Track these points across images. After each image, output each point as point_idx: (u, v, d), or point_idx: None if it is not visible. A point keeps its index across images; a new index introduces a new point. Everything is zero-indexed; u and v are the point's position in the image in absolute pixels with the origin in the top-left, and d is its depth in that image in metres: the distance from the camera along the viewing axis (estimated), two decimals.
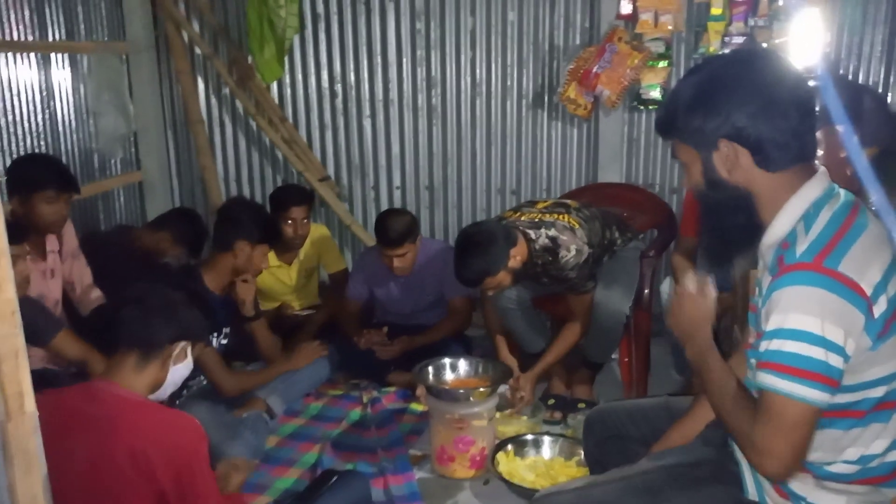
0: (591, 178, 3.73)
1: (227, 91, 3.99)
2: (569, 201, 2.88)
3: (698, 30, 3.39)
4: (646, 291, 2.91)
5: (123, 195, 4.02)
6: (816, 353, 1.15)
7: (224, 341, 2.80)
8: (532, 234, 2.66)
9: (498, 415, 2.73)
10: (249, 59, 3.77)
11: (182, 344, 1.70)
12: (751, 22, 3.26)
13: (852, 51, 3.36)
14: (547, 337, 3.05)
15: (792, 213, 1.26)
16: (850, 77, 3.31)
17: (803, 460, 1.24)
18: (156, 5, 3.87)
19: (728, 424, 1.30)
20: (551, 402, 2.96)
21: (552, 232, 2.64)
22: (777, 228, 1.27)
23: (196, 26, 3.94)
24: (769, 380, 1.19)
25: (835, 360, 1.16)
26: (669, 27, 3.34)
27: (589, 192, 3.45)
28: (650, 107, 3.51)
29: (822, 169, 1.30)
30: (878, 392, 1.23)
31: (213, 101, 4.07)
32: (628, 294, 2.75)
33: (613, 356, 3.09)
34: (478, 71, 3.79)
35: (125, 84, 3.86)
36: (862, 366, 1.20)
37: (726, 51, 3.22)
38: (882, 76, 3.36)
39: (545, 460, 2.52)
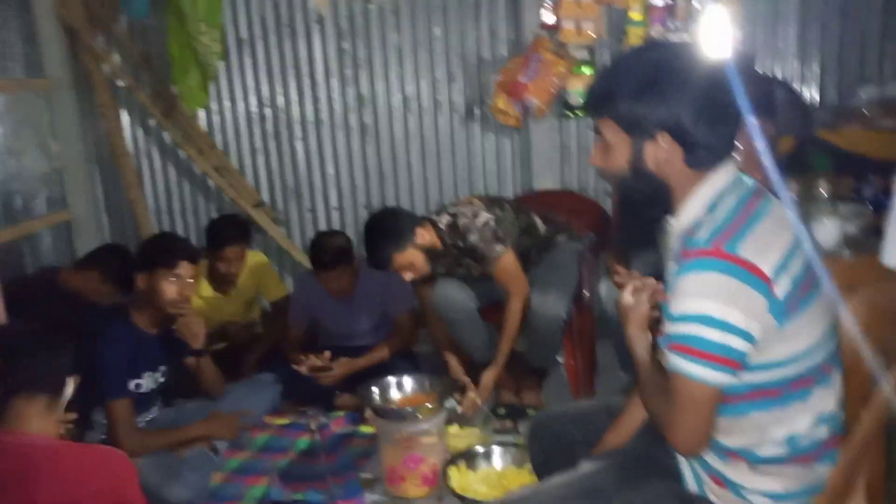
0: (526, 187, 3.75)
1: (153, 122, 3.90)
2: (476, 195, 2.97)
3: (620, 35, 3.45)
4: (586, 293, 2.93)
5: (51, 236, 3.88)
6: (716, 336, 1.17)
7: (161, 379, 2.70)
8: (435, 217, 2.78)
9: (448, 429, 2.70)
10: (174, 88, 3.70)
11: (73, 377, 1.61)
12: (669, 25, 3.34)
13: (767, 47, 3.46)
14: (495, 346, 3.04)
15: (699, 202, 1.28)
16: (766, 72, 3.41)
17: (721, 445, 1.27)
18: (74, 40, 3.76)
19: (649, 411, 1.33)
20: (502, 411, 2.94)
21: (452, 209, 2.78)
22: (684, 217, 1.30)
23: (117, 58, 3.85)
24: (674, 361, 1.22)
25: (735, 343, 1.18)
26: (592, 34, 3.39)
27: (526, 201, 3.46)
28: (578, 113, 3.55)
29: (730, 158, 1.31)
30: (792, 370, 1.25)
31: (140, 133, 3.98)
32: (565, 297, 2.76)
33: (560, 359, 3.09)
34: (407, 87, 3.79)
35: (46, 121, 3.74)
36: (771, 344, 1.21)
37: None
38: (798, 71, 3.47)
39: (497, 471, 2.49)
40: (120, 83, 3.86)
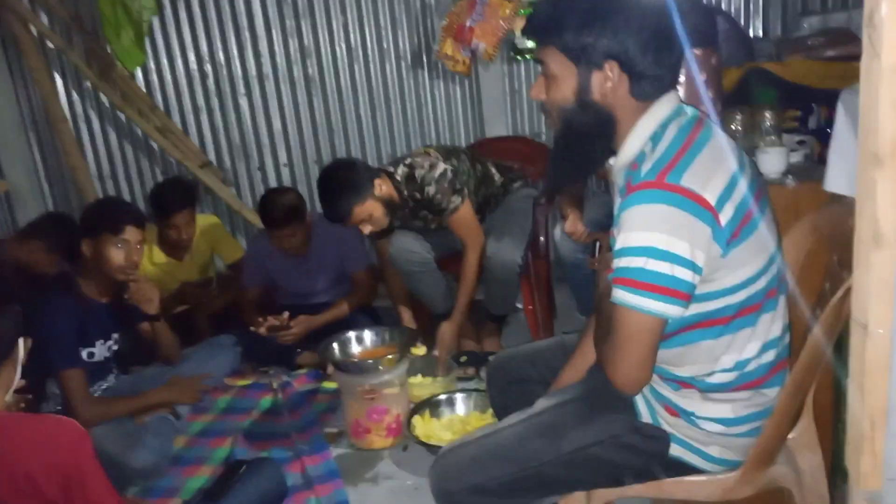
0: (478, 134, 3.72)
1: (88, 85, 3.75)
2: (432, 146, 2.92)
3: None
4: (541, 239, 2.94)
5: None
6: (662, 267, 1.17)
7: (115, 347, 2.65)
8: (391, 168, 2.74)
9: (411, 380, 2.71)
10: (108, 47, 3.54)
11: (22, 339, 1.55)
12: None
13: None
14: (453, 297, 3.05)
15: (641, 134, 1.26)
16: (709, 3, 3.40)
17: (672, 375, 1.28)
18: None
19: (597, 349, 1.34)
20: (463, 359, 2.95)
21: (408, 160, 2.74)
22: (627, 150, 1.28)
23: (45, 19, 3.66)
24: (619, 294, 1.21)
25: (682, 273, 1.17)
26: None
27: (478, 148, 3.43)
28: (527, 56, 3.51)
29: (671, 90, 1.30)
30: (739, 297, 1.26)
31: (75, 96, 3.82)
32: (519, 243, 2.76)
33: (518, 305, 3.11)
34: (352, 36, 3.70)
35: None
36: (717, 273, 1.22)
37: None
38: (742, 3, 3.47)
39: (461, 417, 2.52)
40: (50, 45, 3.68)
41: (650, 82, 1.24)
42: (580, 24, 1.22)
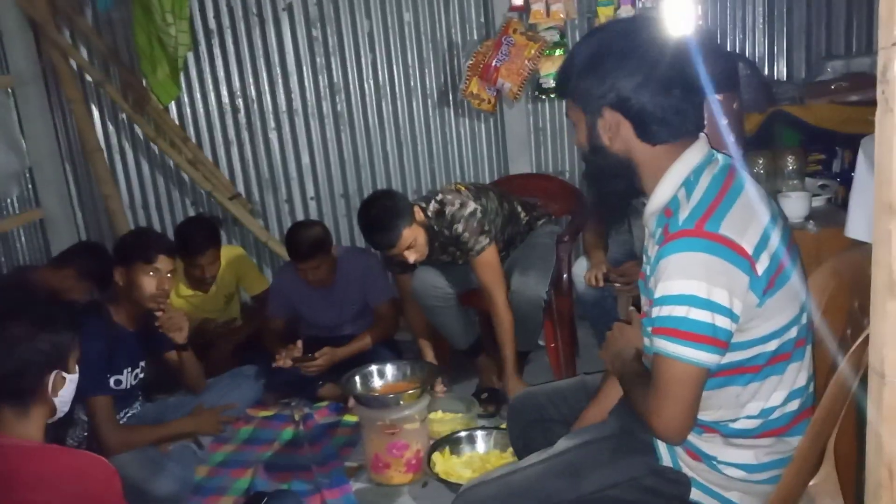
0: (502, 171, 3.76)
1: (124, 116, 3.86)
2: (463, 183, 2.96)
3: (590, 16, 3.46)
4: (564, 276, 2.95)
5: (24, 235, 3.84)
6: (703, 315, 1.18)
7: (141, 375, 2.69)
8: (424, 203, 2.77)
9: (432, 416, 2.71)
10: (143, 81, 3.66)
11: (55, 373, 1.57)
12: (639, 4, 3.34)
13: (736, 24, 3.48)
14: (476, 332, 3.06)
15: (673, 181, 1.28)
16: (737, 49, 3.43)
17: (696, 421, 1.27)
18: (38, 34, 3.70)
19: (633, 402, 1.34)
20: (484, 396, 2.96)
21: (439, 197, 2.77)
22: (659, 196, 1.30)
23: (84, 53, 3.79)
24: (660, 344, 1.22)
25: (721, 322, 1.18)
26: (561, 15, 3.39)
27: (502, 185, 3.47)
28: (551, 95, 3.55)
29: (702, 135, 1.33)
30: (771, 346, 1.26)
31: (111, 127, 3.93)
32: (544, 279, 2.77)
33: (541, 343, 3.11)
34: (380, 73, 3.77)
35: (13, 118, 3.69)
36: (752, 323, 1.23)
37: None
38: (766, 47, 3.49)
39: (481, 455, 2.52)
40: (88, 78, 3.80)
41: (657, 125, 1.26)
42: (581, 75, 1.29)
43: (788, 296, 1.26)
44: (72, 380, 1.60)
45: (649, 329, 1.26)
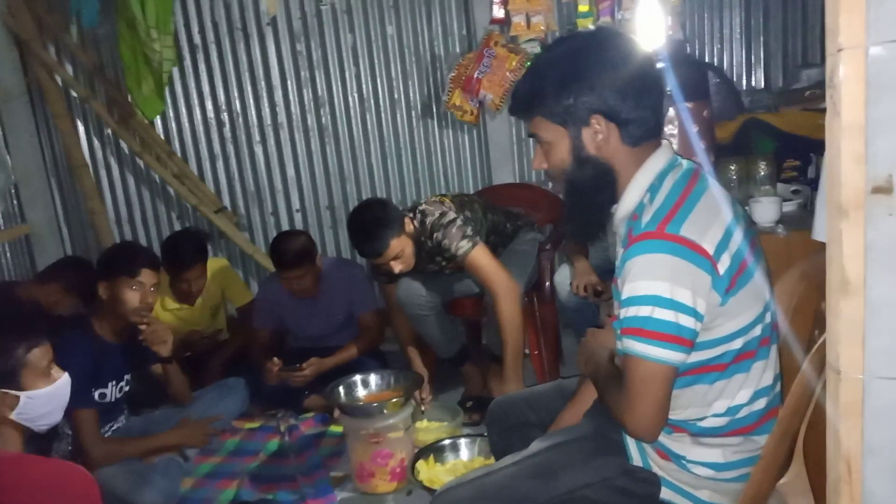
0: (486, 181, 3.79)
1: (109, 132, 3.88)
2: (448, 194, 2.97)
3: (569, 27, 3.51)
4: (547, 284, 2.97)
5: (10, 251, 3.84)
6: (667, 315, 1.21)
7: (126, 388, 2.69)
8: (409, 214, 2.77)
9: (416, 424, 2.73)
10: (129, 96, 3.68)
11: (9, 392, 1.56)
12: (617, 15, 3.39)
13: (714, 34, 3.54)
14: (461, 341, 3.07)
15: (640, 186, 1.32)
16: (715, 58, 3.49)
17: (667, 419, 1.29)
18: (24, 51, 3.72)
19: (606, 403, 1.36)
20: (469, 404, 2.97)
21: (421, 206, 2.78)
22: (627, 202, 1.33)
23: (69, 69, 3.81)
24: (628, 344, 1.25)
25: (685, 321, 1.21)
26: (542, 27, 3.44)
27: (485, 195, 3.50)
28: None
29: (665, 141, 1.36)
30: (737, 344, 1.29)
31: (96, 143, 3.94)
32: (520, 277, 2.77)
33: (525, 350, 3.13)
34: (364, 86, 3.81)
35: None
36: (717, 321, 1.26)
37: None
38: (744, 56, 3.55)
39: (465, 462, 2.52)
40: (74, 94, 3.82)
41: (637, 126, 1.30)
42: (558, 89, 1.30)
43: (751, 295, 1.29)
44: (30, 397, 1.59)
45: (619, 331, 1.28)
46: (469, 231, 2.68)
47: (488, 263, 2.65)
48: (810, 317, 1.52)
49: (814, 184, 2.28)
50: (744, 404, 1.33)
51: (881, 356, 0.92)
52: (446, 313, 2.98)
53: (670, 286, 1.20)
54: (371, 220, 2.63)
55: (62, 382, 1.86)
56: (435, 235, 2.70)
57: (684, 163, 1.36)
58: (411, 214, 2.77)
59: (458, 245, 2.67)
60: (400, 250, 2.65)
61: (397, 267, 2.68)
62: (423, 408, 2.83)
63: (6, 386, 1.56)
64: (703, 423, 1.34)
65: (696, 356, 1.28)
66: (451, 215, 2.71)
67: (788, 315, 1.49)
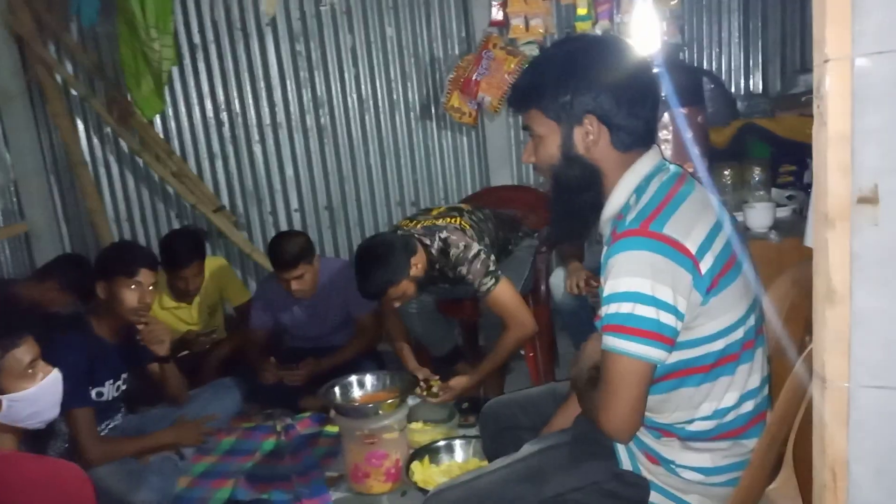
0: (483, 183, 3.80)
1: (108, 130, 3.88)
2: (462, 205, 2.93)
3: (568, 30, 3.52)
4: (542, 287, 2.98)
5: (9, 248, 3.85)
6: (648, 312, 1.22)
7: (123, 387, 2.70)
8: (427, 241, 2.67)
9: (411, 425, 2.73)
10: (128, 95, 3.68)
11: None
12: (616, 19, 3.40)
13: (713, 39, 3.55)
14: (454, 339, 3.08)
15: (627, 187, 1.33)
16: (713, 63, 3.49)
17: (654, 424, 1.30)
18: (23, 50, 3.73)
19: (585, 406, 1.37)
20: (465, 405, 2.97)
21: (443, 234, 2.67)
22: (613, 203, 1.35)
23: (69, 67, 3.82)
24: (608, 341, 1.26)
25: (666, 318, 1.22)
26: (540, 30, 3.44)
27: (483, 197, 3.51)
28: None
29: (654, 146, 1.37)
30: (718, 346, 1.30)
31: (95, 141, 3.96)
32: (516, 284, 2.76)
33: (521, 352, 3.14)
34: (363, 87, 3.82)
35: None
36: (698, 321, 1.27)
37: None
38: (742, 61, 3.56)
39: (459, 463, 2.53)
40: (73, 92, 3.83)
41: (628, 133, 1.32)
42: (557, 85, 1.32)
43: (734, 296, 1.30)
44: (13, 399, 1.60)
45: (601, 328, 1.29)
46: (492, 266, 2.62)
47: (510, 301, 2.61)
48: (801, 323, 1.53)
49: (809, 189, 2.29)
50: (731, 407, 1.34)
51: (866, 365, 0.93)
52: (439, 311, 2.98)
53: (651, 283, 1.21)
54: (371, 266, 2.53)
55: (49, 381, 1.84)
56: (459, 270, 2.62)
57: (671, 167, 1.38)
58: (428, 240, 2.66)
59: (482, 282, 2.60)
60: (398, 295, 2.59)
61: (396, 304, 2.65)
62: (434, 389, 2.79)
63: None
64: (691, 427, 1.35)
65: (678, 356, 1.29)
66: (475, 248, 2.62)
67: (780, 321, 1.50)
